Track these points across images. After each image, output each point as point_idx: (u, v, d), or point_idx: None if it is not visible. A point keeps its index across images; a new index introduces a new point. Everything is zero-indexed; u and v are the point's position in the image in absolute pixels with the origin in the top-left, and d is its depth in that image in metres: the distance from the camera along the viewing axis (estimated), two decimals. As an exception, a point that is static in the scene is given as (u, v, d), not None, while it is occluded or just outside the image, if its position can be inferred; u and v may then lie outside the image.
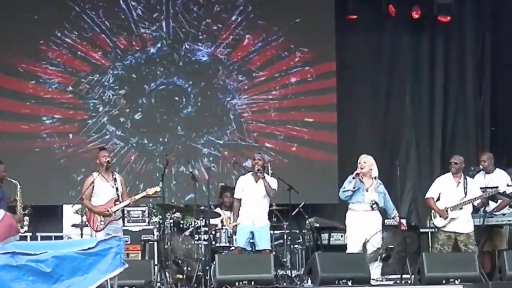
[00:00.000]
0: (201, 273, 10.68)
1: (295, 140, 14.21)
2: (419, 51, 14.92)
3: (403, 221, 11.59)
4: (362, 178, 10.93)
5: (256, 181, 10.99)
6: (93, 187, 10.59)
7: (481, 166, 11.62)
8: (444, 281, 10.25)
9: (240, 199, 11.02)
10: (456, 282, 10.21)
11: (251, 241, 10.95)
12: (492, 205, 11.43)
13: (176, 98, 14.06)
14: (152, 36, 14.04)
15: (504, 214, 11.35)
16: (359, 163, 10.98)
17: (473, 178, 11.52)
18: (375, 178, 10.99)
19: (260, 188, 10.97)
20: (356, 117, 14.68)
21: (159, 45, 14.06)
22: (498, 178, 11.51)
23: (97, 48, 13.88)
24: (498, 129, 14.90)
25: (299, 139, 14.21)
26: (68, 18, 13.76)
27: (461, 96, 14.94)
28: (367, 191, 10.87)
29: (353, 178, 10.82)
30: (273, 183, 11.05)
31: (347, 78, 14.50)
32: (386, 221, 12.53)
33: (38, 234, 12.50)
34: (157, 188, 10.81)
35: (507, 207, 11.44)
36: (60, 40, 13.78)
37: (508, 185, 11.35)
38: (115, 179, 10.71)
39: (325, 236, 12.55)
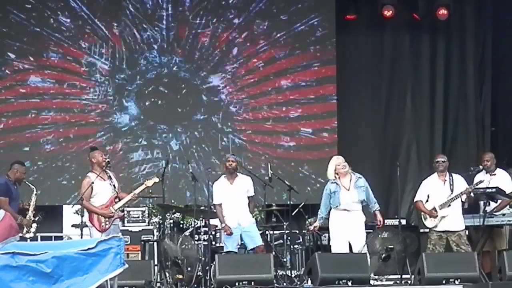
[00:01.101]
0: (201, 273, 10.68)
1: (295, 140, 14.20)
2: (419, 51, 14.91)
3: (397, 222, 11.59)
4: (340, 179, 10.91)
5: (232, 183, 10.98)
6: (92, 188, 10.53)
7: (481, 166, 11.62)
8: (444, 281, 10.25)
9: (221, 203, 10.97)
10: (456, 282, 10.21)
11: (241, 242, 10.92)
12: (492, 205, 11.43)
13: (176, 97, 14.07)
14: (153, 34, 14.07)
15: (504, 214, 11.34)
16: (338, 165, 10.93)
17: (474, 178, 11.53)
18: (353, 173, 10.96)
19: (237, 189, 10.96)
20: (356, 117, 14.67)
21: (160, 43, 14.07)
22: (499, 178, 11.52)
23: (96, 48, 13.90)
24: (498, 130, 14.89)
25: (299, 139, 14.21)
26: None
27: (462, 96, 14.92)
28: (348, 190, 10.86)
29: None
30: (248, 182, 11.04)
31: (347, 78, 14.51)
32: (386, 221, 12.57)
33: (38, 234, 12.46)
34: (155, 179, 10.70)
35: (507, 207, 11.44)
36: (59, 40, 13.81)
37: (491, 175, 11.35)
38: (110, 177, 10.68)
39: (325, 236, 12.53)
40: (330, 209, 10.92)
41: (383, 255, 10.81)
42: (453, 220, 11.13)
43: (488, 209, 11.34)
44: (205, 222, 11.13)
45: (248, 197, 11.04)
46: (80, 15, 13.83)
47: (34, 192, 10.73)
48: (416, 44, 14.91)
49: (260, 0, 14.25)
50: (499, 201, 11.33)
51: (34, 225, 10.72)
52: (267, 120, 14.21)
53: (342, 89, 14.35)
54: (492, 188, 11.25)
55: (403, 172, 13.72)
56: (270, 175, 11.19)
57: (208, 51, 14.17)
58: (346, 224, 10.75)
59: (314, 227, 11.13)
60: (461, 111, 14.92)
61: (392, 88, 14.90)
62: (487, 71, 15.01)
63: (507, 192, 11.27)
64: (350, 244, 10.73)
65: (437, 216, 11.13)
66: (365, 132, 14.72)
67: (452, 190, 11.20)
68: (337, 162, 10.98)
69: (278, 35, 14.26)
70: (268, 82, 14.25)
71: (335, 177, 10.95)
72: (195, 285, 10.67)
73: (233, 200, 10.93)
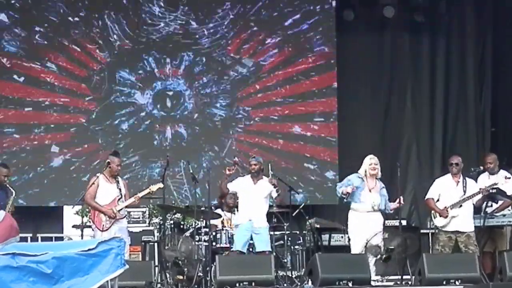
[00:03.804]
0: (201, 274, 10.67)
1: (295, 141, 14.20)
2: (419, 51, 14.91)
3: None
4: (367, 179, 10.97)
5: (255, 183, 11.01)
6: (97, 188, 10.59)
7: (481, 168, 11.63)
8: (444, 282, 10.25)
9: (235, 193, 11.05)
10: (457, 283, 10.21)
11: (250, 242, 10.91)
12: (494, 206, 11.41)
13: (177, 99, 14.05)
14: (153, 34, 14.08)
15: (504, 215, 11.34)
16: (370, 165, 10.99)
17: (476, 179, 11.52)
18: (378, 179, 11.04)
19: (259, 190, 10.96)
20: (356, 117, 14.67)
21: (160, 44, 14.06)
22: (502, 179, 11.51)
23: (99, 48, 13.90)
24: (498, 130, 14.89)
25: (300, 140, 14.20)
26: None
27: (462, 96, 14.93)
28: (370, 191, 10.90)
29: (345, 194, 10.90)
30: (268, 187, 11.03)
31: (347, 78, 14.50)
32: (386, 222, 12.56)
33: (39, 235, 12.50)
34: (160, 185, 10.81)
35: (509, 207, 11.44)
36: (61, 42, 13.81)
37: (506, 178, 11.35)
38: (118, 182, 10.72)
39: (325, 237, 12.55)
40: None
41: (384, 255, 10.80)
42: (463, 220, 11.12)
43: (489, 210, 11.34)
44: (206, 223, 11.12)
45: (276, 198, 11.07)
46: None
47: (12, 196, 10.68)
48: (416, 44, 14.91)
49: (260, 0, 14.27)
50: (499, 202, 11.34)
51: None
52: (266, 121, 14.19)
53: (342, 89, 14.35)
54: (492, 188, 11.25)
55: (403, 173, 13.71)
56: (270, 176, 11.17)
57: (207, 53, 14.14)
58: (365, 226, 10.82)
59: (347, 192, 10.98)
60: (461, 111, 14.93)
61: (392, 88, 14.91)
62: (487, 71, 15.02)
63: (505, 182, 11.28)
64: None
65: (447, 216, 11.12)
66: (365, 132, 14.71)
67: (465, 192, 11.19)
68: (370, 161, 11.05)
69: (278, 35, 14.25)
70: (268, 83, 14.24)
71: (365, 173, 10.99)
72: (196, 286, 10.65)
73: (253, 199, 10.91)
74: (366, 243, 10.73)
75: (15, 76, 13.62)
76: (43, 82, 13.71)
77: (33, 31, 13.68)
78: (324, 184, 13.89)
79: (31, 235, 12.27)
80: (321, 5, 14.33)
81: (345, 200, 11.03)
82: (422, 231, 12.85)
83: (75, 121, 13.78)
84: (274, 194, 11.04)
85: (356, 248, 10.85)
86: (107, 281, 7.82)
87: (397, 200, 11.00)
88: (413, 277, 10.66)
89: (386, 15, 14.36)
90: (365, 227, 10.82)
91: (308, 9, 14.29)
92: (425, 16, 14.58)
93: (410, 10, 14.58)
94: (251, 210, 10.89)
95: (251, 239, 10.85)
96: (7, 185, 10.77)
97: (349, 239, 11.21)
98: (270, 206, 11.69)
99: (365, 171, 11.03)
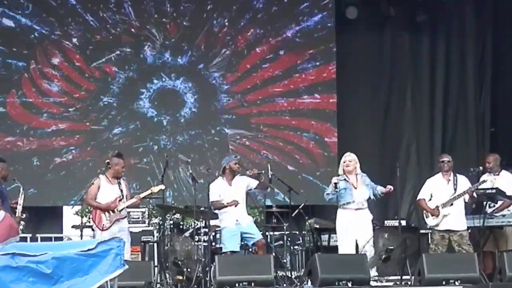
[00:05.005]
0: (201, 274, 10.67)
1: (295, 141, 14.20)
2: (419, 51, 14.92)
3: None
4: (348, 177, 10.95)
5: (230, 184, 11.01)
6: (98, 188, 10.58)
7: (481, 167, 11.63)
8: (444, 282, 10.24)
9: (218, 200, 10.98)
10: (456, 283, 10.21)
11: (242, 242, 10.93)
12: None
13: (175, 100, 14.05)
14: (151, 37, 14.07)
15: (504, 215, 11.35)
16: (344, 162, 11.00)
17: (478, 179, 11.51)
18: (358, 174, 11.03)
19: (236, 189, 10.99)
20: (356, 117, 14.67)
21: (158, 46, 14.06)
22: (504, 179, 11.51)
23: (96, 54, 13.92)
24: (498, 130, 14.89)
25: (299, 140, 14.21)
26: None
27: (462, 96, 14.94)
28: (355, 188, 10.89)
29: (335, 183, 10.85)
30: (245, 179, 11.08)
31: (347, 77, 14.50)
32: (386, 222, 12.58)
33: (38, 235, 12.50)
34: (162, 186, 10.80)
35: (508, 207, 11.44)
36: (59, 45, 13.81)
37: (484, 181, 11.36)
38: (119, 183, 10.71)
39: (325, 237, 12.53)
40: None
41: (383, 256, 10.80)
42: (455, 219, 11.13)
43: (489, 210, 11.34)
44: (205, 223, 11.12)
45: (257, 185, 11.07)
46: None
47: (21, 190, 10.70)
48: (416, 44, 14.91)
49: (260, -1, 14.32)
50: (499, 202, 11.34)
51: (22, 222, 10.67)
52: (266, 121, 14.19)
53: (342, 88, 14.36)
54: (492, 189, 11.25)
55: (403, 172, 13.72)
56: (270, 176, 11.17)
57: (205, 52, 14.15)
58: (354, 223, 10.78)
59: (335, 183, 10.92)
60: (461, 111, 14.93)
61: (392, 88, 14.91)
62: (487, 71, 15.02)
63: (486, 182, 11.29)
64: (356, 243, 10.74)
65: (438, 214, 11.14)
66: (365, 131, 14.72)
67: (455, 190, 11.21)
68: (344, 159, 11.06)
69: (278, 34, 14.25)
70: (267, 82, 14.24)
71: (343, 172, 10.98)
72: (195, 286, 10.65)
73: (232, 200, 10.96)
74: (358, 248, 10.71)
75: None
76: (42, 83, 13.73)
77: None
78: (324, 185, 13.86)
79: (30, 235, 12.27)
80: (321, 3, 14.33)
81: (332, 196, 10.96)
82: (421, 231, 12.83)
83: (75, 122, 13.79)
84: (254, 184, 11.05)
85: (344, 248, 10.82)
86: (107, 281, 7.82)
87: (388, 187, 10.95)
88: (413, 277, 10.65)
89: (391, 14, 14.38)
90: (352, 225, 10.77)
91: (308, 7, 14.29)
92: (426, 16, 14.59)
93: (411, 10, 14.59)
94: (235, 211, 10.91)
95: (242, 238, 10.88)
96: (15, 180, 10.85)
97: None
98: (270, 206, 11.70)
99: (343, 170, 11.02)
